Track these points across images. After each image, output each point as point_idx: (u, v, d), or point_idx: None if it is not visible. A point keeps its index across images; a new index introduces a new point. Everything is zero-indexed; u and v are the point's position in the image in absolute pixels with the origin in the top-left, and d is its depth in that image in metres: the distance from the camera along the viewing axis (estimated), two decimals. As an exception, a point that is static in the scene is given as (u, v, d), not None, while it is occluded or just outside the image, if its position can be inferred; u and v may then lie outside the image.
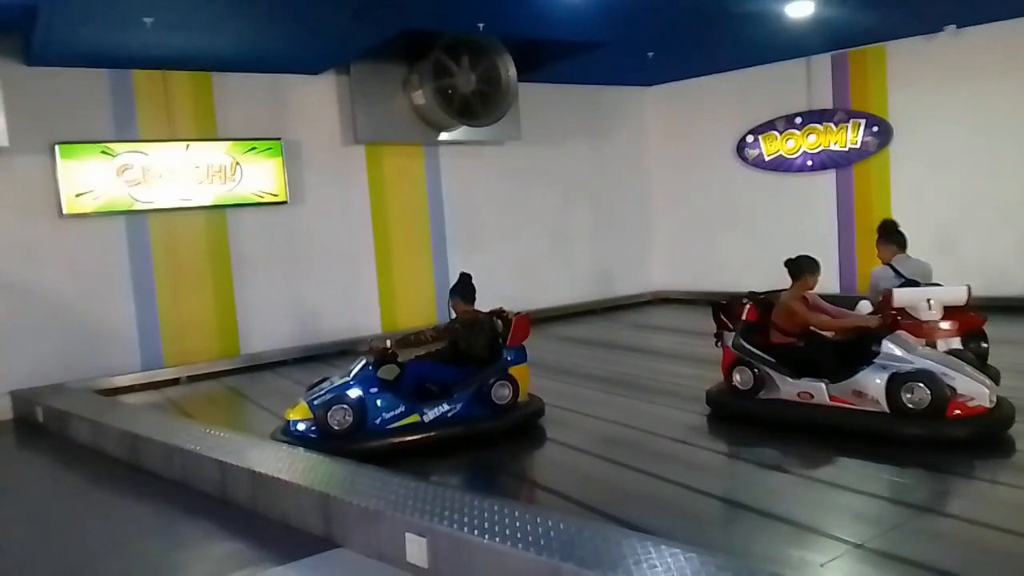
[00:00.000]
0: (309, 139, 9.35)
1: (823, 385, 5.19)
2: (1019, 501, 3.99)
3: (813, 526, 3.82)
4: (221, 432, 5.31)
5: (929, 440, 4.72)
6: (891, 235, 6.27)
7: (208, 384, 8.38)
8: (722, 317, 5.88)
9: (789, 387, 5.36)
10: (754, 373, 5.52)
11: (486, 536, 3.21)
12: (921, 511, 3.94)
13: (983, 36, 9.23)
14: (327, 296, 9.51)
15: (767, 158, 11.28)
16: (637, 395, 6.65)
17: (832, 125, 10.61)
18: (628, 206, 12.34)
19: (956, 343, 5.71)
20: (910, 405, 4.78)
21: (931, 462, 4.58)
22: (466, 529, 3.29)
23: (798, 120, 10.91)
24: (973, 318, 5.86)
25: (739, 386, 5.62)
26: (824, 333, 5.58)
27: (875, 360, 4.98)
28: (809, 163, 10.90)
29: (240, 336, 8.98)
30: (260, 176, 8.89)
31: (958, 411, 4.71)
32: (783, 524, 3.86)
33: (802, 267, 5.66)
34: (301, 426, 5.30)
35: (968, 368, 4.96)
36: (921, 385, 4.74)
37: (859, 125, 10.38)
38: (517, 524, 3.29)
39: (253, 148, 8.85)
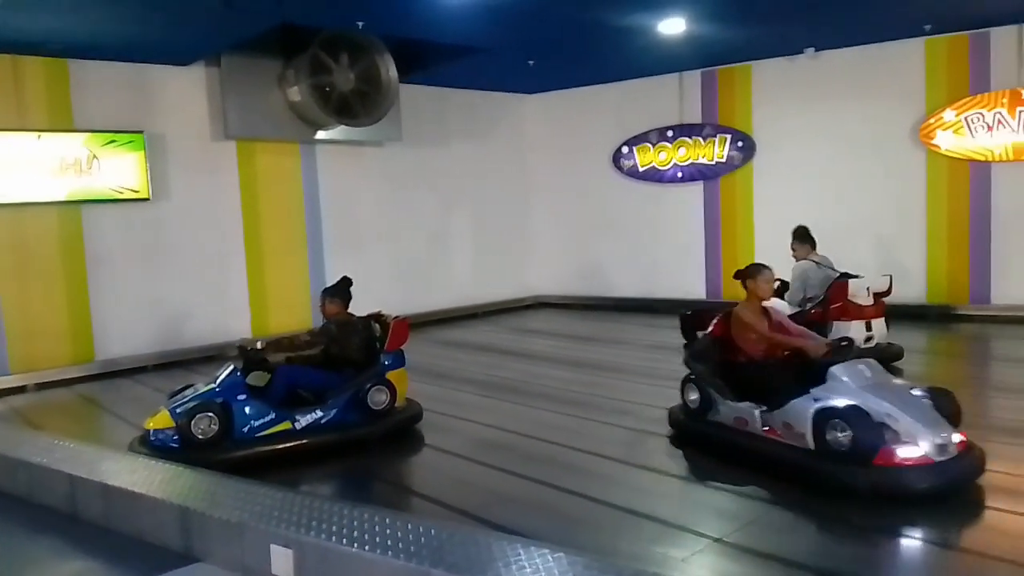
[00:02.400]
0: (175, 133, 8.90)
1: (757, 412, 4.69)
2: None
3: (677, 522, 3.96)
4: (71, 443, 4.95)
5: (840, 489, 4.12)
6: (807, 237, 7.27)
7: (58, 392, 7.81)
8: (690, 329, 5.59)
9: (727, 410, 4.91)
10: (702, 392, 5.09)
11: (354, 545, 3.14)
12: (777, 505, 4.15)
13: (839, 59, 9.96)
14: (192, 298, 9.07)
15: (641, 168, 11.68)
16: (513, 398, 6.71)
17: (700, 139, 11.13)
18: (508, 210, 12.47)
19: (881, 323, 6.92)
20: (833, 446, 4.17)
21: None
22: (334, 539, 3.21)
23: (670, 133, 11.37)
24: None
25: (688, 404, 5.22)
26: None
27: (811, 389, 4.39)
28: (679, 175, 11.38)
29: (95, 340, 8.42)
30: (120, 170, 8.37)
31: (893, 460, 4.03)
32: (649, 521, 3.98)
33: (745, 274, 5.14)
34: (162, 435, 5.04)
35: (929, 412, 4.24)
36: (846, 425, 4.10)
37: (725, 140, 10.94)
38: (387, 531, 3.23)
39: (113, 141, 8.32)
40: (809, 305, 6.98)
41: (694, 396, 5.14)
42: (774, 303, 6.05)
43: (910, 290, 9.73)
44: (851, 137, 10.05)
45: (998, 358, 8.21)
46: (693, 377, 5.17)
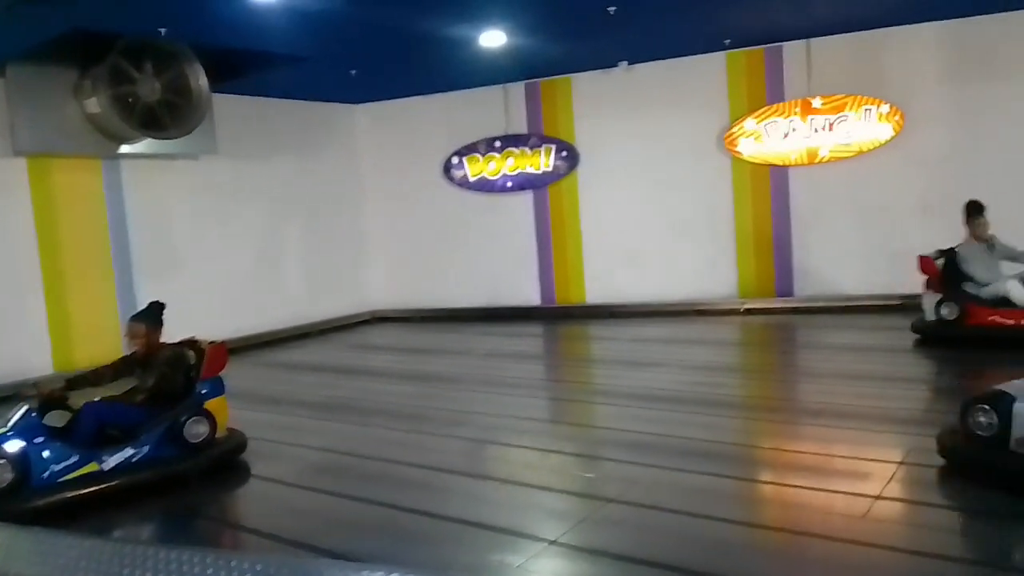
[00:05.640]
0: (-47, 150, 7.96)
1: None
2: (689, 484, 4.44)
3: (512, 528, 3.96)
4: None
5: None
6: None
7: None
8: None
9: None
10: None
11: (167, 591, 2.88)
12: (606, 502, 4.26)
13: (650, 72, 10.53)
14: (-18, 333, 8.13)
15: (472, 179, 11.78)
16: (348, 418, 6.51)
17: (527, 149, 11.39)
18: (341, 224, 12.15)
19: None
20: None
21: (615, 458, 5.00)
22: (144, 586, 2.93)
23: (498, 144, 11.55)
24: None
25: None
26: None
27: None
28: (509, 184, 11.58)
29: None
30: None
31: None
32: (486, 530, 3.96)
33: None
34: None
35: None
36: None
37: (551, 150, 11.27)
38: (208, 571, 2.98)
39: None
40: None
41: None
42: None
43: (723, 288, 10.45)
44: (665, 145, 10.65)
45: (803, 345, 8.95)
46: None
